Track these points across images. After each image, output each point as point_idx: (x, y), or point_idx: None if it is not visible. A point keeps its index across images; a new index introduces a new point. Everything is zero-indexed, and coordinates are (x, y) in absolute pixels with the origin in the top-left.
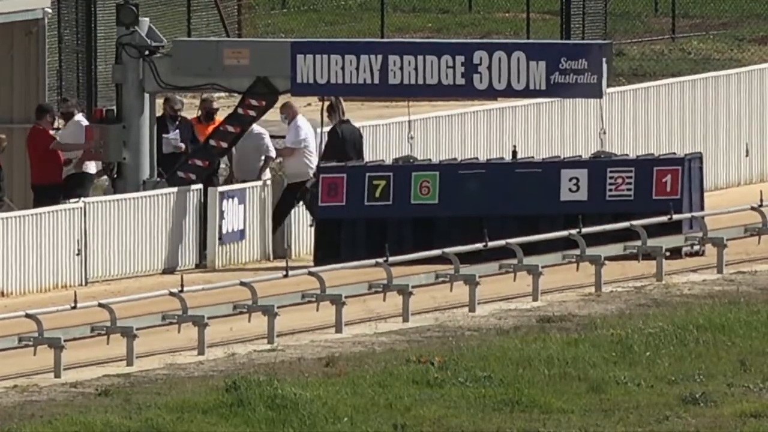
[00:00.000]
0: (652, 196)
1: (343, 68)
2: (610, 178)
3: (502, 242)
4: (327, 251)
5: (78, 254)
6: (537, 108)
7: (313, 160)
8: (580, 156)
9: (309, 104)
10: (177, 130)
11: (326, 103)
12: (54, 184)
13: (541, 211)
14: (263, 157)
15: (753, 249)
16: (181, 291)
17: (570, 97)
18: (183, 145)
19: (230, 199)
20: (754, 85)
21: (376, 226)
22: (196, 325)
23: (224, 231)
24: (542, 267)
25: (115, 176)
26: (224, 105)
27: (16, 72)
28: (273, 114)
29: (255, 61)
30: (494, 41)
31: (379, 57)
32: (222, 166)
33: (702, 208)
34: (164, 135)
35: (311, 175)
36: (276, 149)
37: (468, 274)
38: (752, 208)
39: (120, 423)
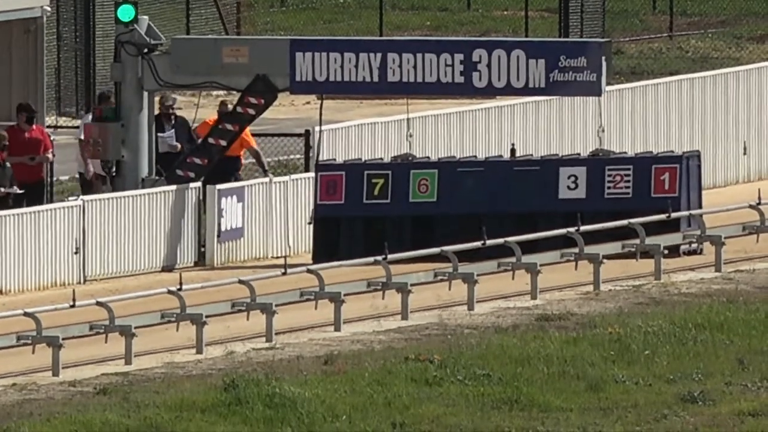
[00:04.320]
0: (651, 194)
1: (342, 66)
2: (609, 176)
3: (500, 240)
4: (325, 249)
5: (76, 252)
6: (535, 106)
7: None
8: (579, 154)
9: (308, 102)
10: (173, 130)
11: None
12: (36, 181)
13: (539, 209)
14: None
15: (751, 247)
16: (180, 289)
17: (569, 95)
18: (178, 145)
19: (229, 197)
20: (752, 84)
21: (375, 224)
22: (195, 324)
23: (223, 229)
24: (541, 265)
25: (114, 174)
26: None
27: (14, 70)
28: (273, 112)
29: (254, 59)
30: (493, 39)
31: (378, 55)
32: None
33: (700, 206)
34: (159, 134)
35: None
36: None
37: (466, 272)
38: (750, 207)
39: (118, 422)
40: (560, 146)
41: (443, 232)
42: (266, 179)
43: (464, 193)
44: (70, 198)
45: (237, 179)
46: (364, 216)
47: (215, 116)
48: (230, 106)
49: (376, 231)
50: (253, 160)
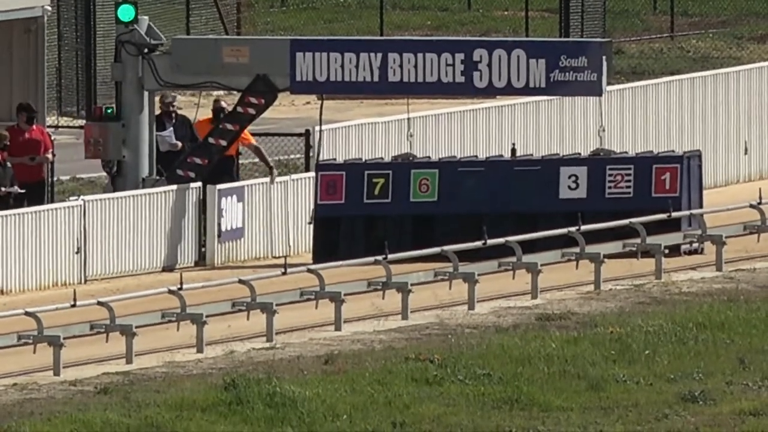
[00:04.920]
0: (651, 194)
1: (342, 66)
2: (609, 175)
3: (501, 240)
4: (326, 249)
5: (77, 252)
6: (536, 106)
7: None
8: (580, 153)
9: (308, 102)
10: (172, 128)
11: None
12: (37, 182)
13: (540, 208)
14: None
15: (752, 246)
16: (180, 289)
17: (570, 95)
18: (179, 143)
19: (229, 197)
20: (752, 84)
21: (375, 224)
22: (195, 323)
23: (223, 229)
24: (541, 265)
25: (115, 174)
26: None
27: (15, 70)
28: (273, 112)
29: (254, 59)
30: (494, 39)
31: (379, 55)
32: None
33: (701, 206)
34: (158, 133)
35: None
36: None
37: (467, 272)
38: (751, 206)
39: (119, 421)
40: (561, 146)
41: (444, 232)
42: (267, 179)
43: (465, 193)
44: (71, 198)
45: (232, 179)
46: (364, 216)
47: (211, 115)
48: (224, 104)
49: (377, 231)
50: (256, 160)
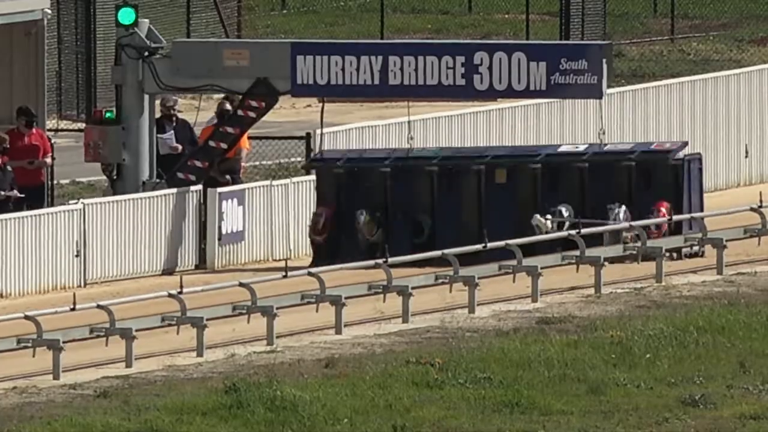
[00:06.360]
0: None
1: (343, 69)
2: None
3: (501, 243)
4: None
5: (77, 255)
6: (537, 108)
7: None
8: None
9: (309, 105)
10: (172, 131)
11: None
12: (36, 185)
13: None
14: None
15: (753, 250)
16: (180, 292)
17: (570, 98)
18: (179, 147)
19: (229, 200)
20: (753, 86)
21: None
22: (195, 327)
23: (223, 232)
24: (542, 268)
25: (115, 177)
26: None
27: (15, 73)
28: (274, 115)
29: (255, 62)
30: (495, 42)
31: (380, 58)
32: None
33: (701, 209)
34: (159, 135)
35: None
36: None
37: (467, 275)
38: (752, 209)
39: (119, 425)
40: None
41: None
42: (267, 182)
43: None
44: (70, 201)
45: (235, 182)
46: None
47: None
48: (228, 106)
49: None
50: (256, 162)
